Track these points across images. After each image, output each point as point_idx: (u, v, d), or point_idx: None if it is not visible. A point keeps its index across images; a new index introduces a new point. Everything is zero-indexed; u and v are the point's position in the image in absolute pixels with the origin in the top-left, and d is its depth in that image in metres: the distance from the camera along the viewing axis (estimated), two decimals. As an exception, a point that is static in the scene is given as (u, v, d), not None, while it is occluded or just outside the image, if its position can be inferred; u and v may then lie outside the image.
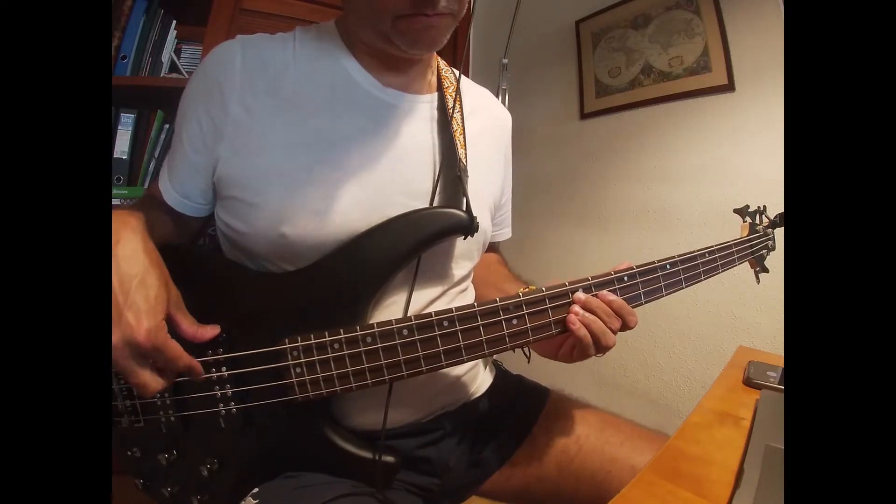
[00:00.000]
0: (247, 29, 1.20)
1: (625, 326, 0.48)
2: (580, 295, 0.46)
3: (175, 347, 0.42)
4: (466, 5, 0.49)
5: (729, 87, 1.15)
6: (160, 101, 1.17)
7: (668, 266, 0.52)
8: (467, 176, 0.54)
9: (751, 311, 1.10)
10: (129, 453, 0.50)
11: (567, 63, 1.53)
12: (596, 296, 0.47)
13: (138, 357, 0.40)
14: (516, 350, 0.49)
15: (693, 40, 1.22)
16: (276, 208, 0.47)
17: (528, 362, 0.55)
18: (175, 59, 1.21)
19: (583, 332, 0.45)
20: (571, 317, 0.46)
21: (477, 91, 0.67)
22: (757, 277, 0.67)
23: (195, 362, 0.44)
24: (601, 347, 0.46)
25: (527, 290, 0.48)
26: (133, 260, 0.41)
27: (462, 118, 0.58)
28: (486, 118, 0.64)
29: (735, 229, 0.64)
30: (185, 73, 1.22)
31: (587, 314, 0.46)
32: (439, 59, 0.62)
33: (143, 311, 0.39)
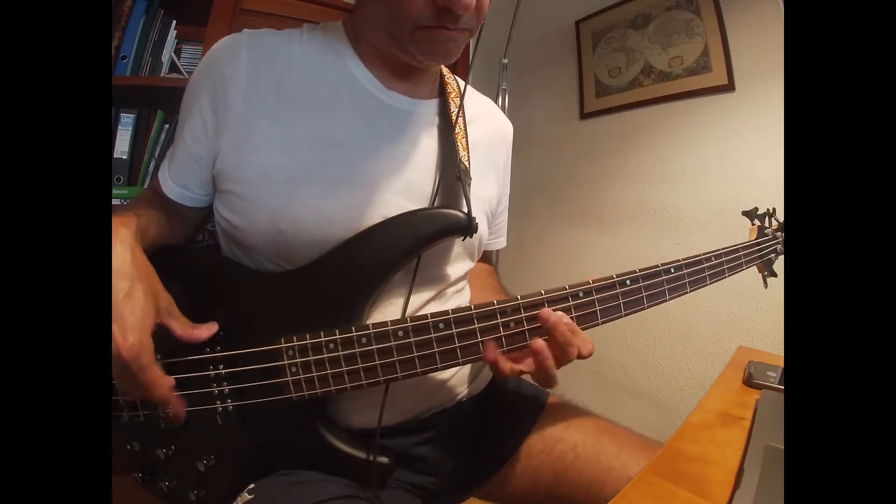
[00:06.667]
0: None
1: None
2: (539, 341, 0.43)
3: (156, 376, 0.42)
4: (482, 22, 0.49)
5: (729, 87, 1.15)
6: (160, 101, 1.17)
7: (672, 270, 0.50)
8: (469, 178, 0.54)
9: (751, 311, 1.10)
10: (128, 447, 0.51)
11: (567, 63, 1.53)
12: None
13: (121, 371, 0.41)
14: None
15: (693, 40, 1.22)
16: (274, 205, 0.47)
17: None
18: (175, 59, 1.21)
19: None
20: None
21: (480, 99, 0.67)
22: (765, 282, 0.65)
23: (171, 398, 0.44)
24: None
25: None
26: (121, 274, 0.42)
27: (465, 123, 0.58)
28: (487, 126, 0.64)
29: (737, 228, 0.64)
30: (185, 73, 1.22)
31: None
32: (443, 66, 0.62)
33: (129, 326, 0.40)
